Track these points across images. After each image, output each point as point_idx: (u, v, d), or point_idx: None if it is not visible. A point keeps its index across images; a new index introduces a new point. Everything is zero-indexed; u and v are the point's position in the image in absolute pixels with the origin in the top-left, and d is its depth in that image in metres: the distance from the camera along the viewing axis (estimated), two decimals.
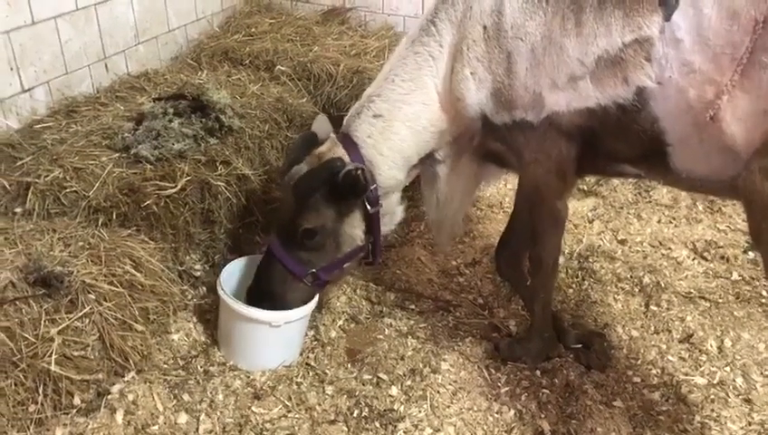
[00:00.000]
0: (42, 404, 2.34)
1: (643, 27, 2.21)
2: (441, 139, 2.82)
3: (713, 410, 2.77)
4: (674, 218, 4.03)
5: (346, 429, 2.63)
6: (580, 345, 3.04)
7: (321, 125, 2.97)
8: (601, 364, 2.97)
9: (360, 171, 2.65)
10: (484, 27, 2.53)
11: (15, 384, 2.27)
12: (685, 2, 2.14)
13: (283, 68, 4.15)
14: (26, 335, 2.31)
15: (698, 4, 2.11)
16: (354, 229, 2.84)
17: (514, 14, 2.45)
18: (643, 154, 2.43)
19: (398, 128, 2.76)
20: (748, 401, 2.82)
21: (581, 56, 2.34)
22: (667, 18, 2.17)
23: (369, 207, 2.78)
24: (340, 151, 2.77)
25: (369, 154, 2.78)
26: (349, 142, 2.80)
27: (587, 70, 2.34)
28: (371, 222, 2.84)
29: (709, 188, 2.47)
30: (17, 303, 2.37)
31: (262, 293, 2.86)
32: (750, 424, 2.72)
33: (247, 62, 4.25)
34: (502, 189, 4.31)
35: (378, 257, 2.99)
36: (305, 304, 2.88)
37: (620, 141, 2.44)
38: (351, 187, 2.66)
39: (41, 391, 2.33)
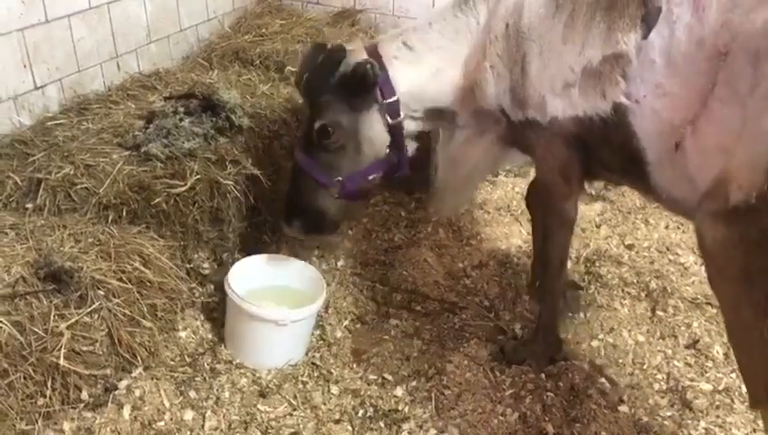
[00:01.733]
0: (50, 398, 2.37)
1: (620, 43, 2.19)
2: (459, 104, 2.83)
3: (718, 417, 2.77)
4: (681, 224, 4.02)
5: (350, 428, 2.64)
6: None
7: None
8: (567, 312, 3.13)
9: (369, 66, 2.67)
10: (507, 25, 2.57)
11: (25, 378, 2.30)
12: (662, 22, 2.10)
13: (293, 69, 4.17)
14: (36, 330, 2.33)
15: (673, 27, 2.07)
16: (373, 134, 2.83)
17: (531, 16, 2.48)
18: (627, 168, 2.40)
19: (422, 67, 2.80)
20: None
21: (573, 64, 2.35)
22: (645, 36, 2.14)
23: (389, 118, 2.80)
24: (363, 57, 2.76)
25: (391, 71, 2.78)
26: (375, 54, 2.80)
27: (576, 78, 2.35)
28: (395, 134, 2.85)
29: (690, 214, 2.32)
30: (27, 297, 2.39)
31: (293, 209, 2.96)
32: (755, 431, 2.72)
33: (258, 62, 4.27)
34: (509, 193, 4.31)
35: (405, 168, 2.99)
36: (337, 218, 3.02)
37: (607, 152, 2.44)
38: (360, 81, 2.69)
39: (49, 385, 2.36)
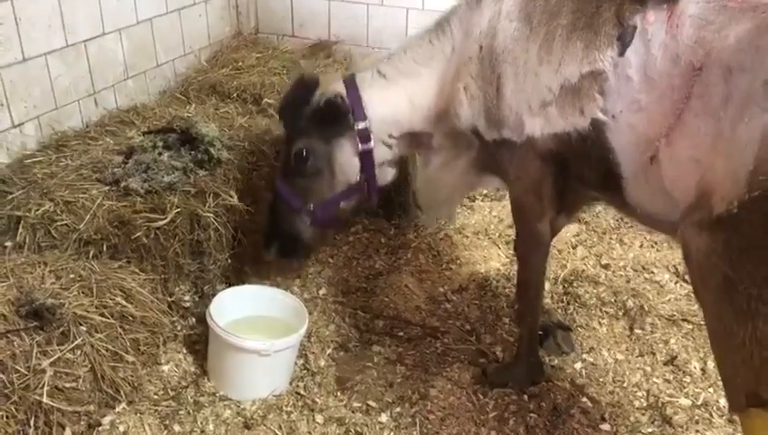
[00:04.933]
0: None
1: (598, 61, 2.27)
2: (433, 126, 2.96)
3: (697, 431, 2.82)
4: (655, 243, 4.11)
5: None
6: (540, 332, 3.15)
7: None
8: (560, 351, 3.19)
9: (339, 99, 2.89)
10: (481, 47, 2.64)
11: (7, 417, 2.27)
12: (637, 40, 2.19)
13: (270, 101, 4.22)
14: (18, 368, 2.31)
15: (648, 44, 2.16)
16: (346, 161, 3.00)
17: (506, 38, 2.55)
18: (604, 183, 2.47)
19: (395, 93, 2.95)
20: (732, 421, 2.86)
21: (550, 83, 2.42)
22: (621, 53, 2.22)
23: (360, 144, 2.95)
24: (340, 87, 2.98)
25: (365, 98, 2.95)
26: (351, 84, 2.99)
27: (553, 97, 2.42)
28: (364, 160, 3.00)
29: (664, 228, 2.45)
30: (9, 335, 2.37)
31: (271, 233, 3.18)
32: None
33: (235, 95, 4.32)
34: (487, 217, 4.38)
35: (373, 197, 3.15)
36: (310, 243, 3.19)
37: (585, 167, 2.50)
38: (330, 113, 2.91)
39: (32, 423, 2.33)
